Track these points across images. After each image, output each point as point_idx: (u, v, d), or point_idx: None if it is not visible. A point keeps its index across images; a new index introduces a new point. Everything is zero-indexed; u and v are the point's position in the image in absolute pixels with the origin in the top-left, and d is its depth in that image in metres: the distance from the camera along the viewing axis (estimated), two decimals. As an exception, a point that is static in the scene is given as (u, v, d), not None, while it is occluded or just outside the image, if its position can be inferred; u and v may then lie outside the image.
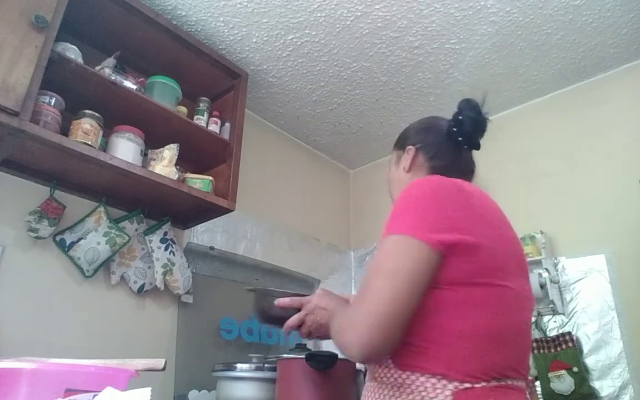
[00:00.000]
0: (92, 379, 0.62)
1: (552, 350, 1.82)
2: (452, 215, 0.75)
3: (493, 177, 2.21)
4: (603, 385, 1.73)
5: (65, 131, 1.40)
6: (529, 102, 2.31)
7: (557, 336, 1.84)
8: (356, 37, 1.92)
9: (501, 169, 2.22)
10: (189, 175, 1.75)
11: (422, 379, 0.72)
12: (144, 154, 1.62)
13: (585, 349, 1.81)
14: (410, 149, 1.00)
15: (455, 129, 0.96)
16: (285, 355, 1.34)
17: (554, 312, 1.92)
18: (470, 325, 0.72)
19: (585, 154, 2.04)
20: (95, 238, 1.55)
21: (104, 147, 1.52)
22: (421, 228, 0.73)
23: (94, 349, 1.55)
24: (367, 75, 2.15)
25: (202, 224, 2.00)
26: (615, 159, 1.94)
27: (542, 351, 1.84)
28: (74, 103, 1.46)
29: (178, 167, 1.68)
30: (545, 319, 1.94)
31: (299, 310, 0.98)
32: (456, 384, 0.70)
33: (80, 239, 1.55)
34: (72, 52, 1.46)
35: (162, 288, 1.74)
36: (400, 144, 1.05)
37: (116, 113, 1.57)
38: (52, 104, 1.37)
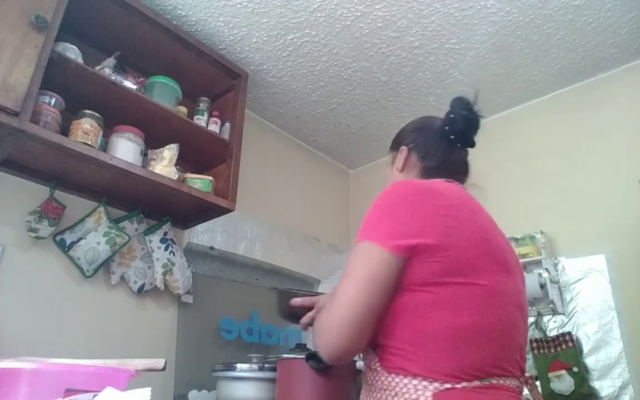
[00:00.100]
0: (92, 379, 0.62)
1: (552, 350, 1.82)
2: (411, 220, 0.77)
3: (493, 177, 2.24)
4: (603, 385, 1.73)
5: (65, 131, 1.40)
6: (529, 102, 2.31)
7: (557, 336, 1.84)
8: (356, 37, 1.92)
9: (501, 169, 2.23)
10: (189, 175, 1.75)
11: (405, 380, 0.73)
12: (144, 154, 1.62)
13: (585, 349, 1.81)
14: (403, 149, 1.01)
15: (447, 128, 0.97)
16: (285, 355, 1.34)
17: (554, 312, 1.92)
18: (442, 325, 0.73)
19: (585, 154, 2.04)
20: (95, 238, 1.56)
21: (104, 147, 1.52)
22: (382, 234, 0.77)
23: (94, 349, 1.55)
24: (367, 75, 2.15)
25: (202, 224, 2.00)
26: (615, 159, 1.94)
27: (542, 351, 1.84)
28: (74, 103, 1.46)
29: (178, 167, 1.68)
30: (545, 319, 1.94)
31: (311, 308, 1.03)
32: (436, 385, 0.70)
33: (80, 239, 1.55)
34: (72, 52, 1.46)
35: (162, 288, 1.74)
36: (396, 145, 1.06)
37: (116, 113, 1.57)
38: (52, 104, 1.37)
